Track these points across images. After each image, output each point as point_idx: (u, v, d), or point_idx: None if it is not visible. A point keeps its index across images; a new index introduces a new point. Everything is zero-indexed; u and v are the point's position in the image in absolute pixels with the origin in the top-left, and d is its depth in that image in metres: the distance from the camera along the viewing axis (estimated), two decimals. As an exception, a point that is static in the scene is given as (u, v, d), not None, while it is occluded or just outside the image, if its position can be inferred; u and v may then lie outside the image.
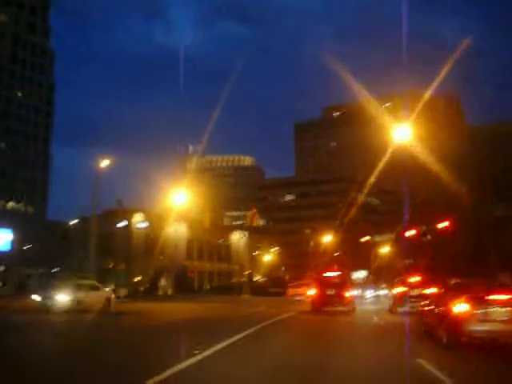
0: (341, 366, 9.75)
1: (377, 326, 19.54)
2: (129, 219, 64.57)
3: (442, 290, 15.63)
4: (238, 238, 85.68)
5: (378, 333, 16.79)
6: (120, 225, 60.94)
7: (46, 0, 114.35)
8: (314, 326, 18.87)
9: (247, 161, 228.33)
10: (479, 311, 12.02)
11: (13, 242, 45.95)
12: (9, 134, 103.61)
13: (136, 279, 62.73)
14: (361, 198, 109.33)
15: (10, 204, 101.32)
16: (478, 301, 12.14)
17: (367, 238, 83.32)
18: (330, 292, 25.89)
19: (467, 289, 13.29)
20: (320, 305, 26.02)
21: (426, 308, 15.90)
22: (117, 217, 63.47)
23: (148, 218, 64.86)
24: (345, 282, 27.31)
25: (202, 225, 79.24)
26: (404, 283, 26.83)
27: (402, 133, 26.24)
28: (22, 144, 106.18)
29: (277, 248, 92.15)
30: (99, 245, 62.58)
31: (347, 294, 26.23)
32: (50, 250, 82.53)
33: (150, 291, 58.71)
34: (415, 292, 25.23)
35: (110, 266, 56.25)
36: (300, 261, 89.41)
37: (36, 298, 25.82)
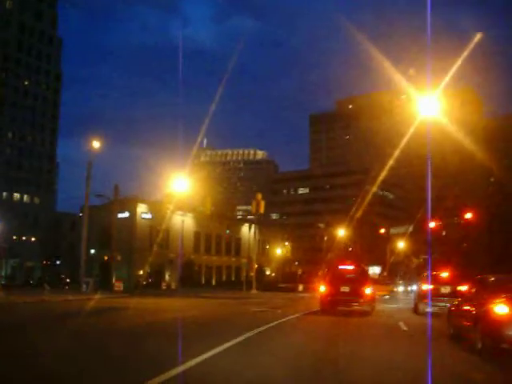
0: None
1: (404, 335, 15.00)
2: (133, 210, 61.77)
3: (476, 288, 13.02)
4: (247, 231, 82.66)
5: (406, 344, 12.55)
6: (121, 215, 58.04)
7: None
8: (322, 332, 15.08)
9: (260, 154, 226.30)
10: None
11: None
12: (16, 123, 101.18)
13: (139, 273, 59.96)
14: (375, 191, 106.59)
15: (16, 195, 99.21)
16: None
17: (383, 230, 79.83)
18: (345, 289, 21.91)
19: (507, 287, 11.34)
20: (332, 304, 22.20)
21: (457, 308, 13.72)
22: (120, 207, 60.62)
23: (153, 208, 61.87)
24: (362, 277, 23.17)
25: (209, 216, 76.23)
26: (431, 279, 23.05)
27: (429, 106, 22.83)
28: (29, 134, 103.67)
29: (289, 242, 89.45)
30: (100, 236, 60.28)
31: (366, 291, 22.08)
32: (54, 242, 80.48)
33: (153, 285, 55.82)
34: (445, 289, 21.80)
35: (106, 258, 53.25)
36: (314, 255, 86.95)
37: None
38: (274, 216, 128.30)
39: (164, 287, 54.30)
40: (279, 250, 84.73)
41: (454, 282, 21.95)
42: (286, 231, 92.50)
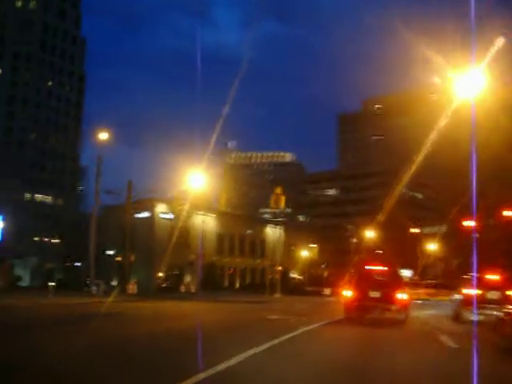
0: None
1: (450, 354, 11.45)
2: (152, 209, 59.63)
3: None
4: (273, 233, 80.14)
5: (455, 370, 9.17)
6: (140, 215, 55.94)
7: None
8: (344, 353, 11.21)
9: (287, 157, 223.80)
10: None
11: (3, 231, 41.00)
12: (39, 124, 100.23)
13: (158, 275, 57.76)
14: (404, 191, 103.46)
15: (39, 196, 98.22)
16: None
17: (415, 230, 76.20)
18: (374, 294, 18.66)
19: None
20: (359, 311, 19.12)
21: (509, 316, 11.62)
22: (139, 207, 58.57)
23: (173, 208, 59.53)
24: (395, 280, 19.87)
25: (233, 217, 73.87)
26: (476, 283, 19.79)
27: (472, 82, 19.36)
28: (52, 135, 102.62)
29: (316, 244, 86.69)
30: (117, 237, 58.27)
31: (400, 296, 18.68)
32: (77, 244, 78.79)
33: (172, 288, 53.51)
34: (493, 295, 18.74)
35: (118, 259, 51.09)
36: (342, 258, 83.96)
37: None
38: (302, 218, 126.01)
39: (183, 290, 51.89)
40: (306, 252, 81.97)
41: (504, 286, 18.86)
42: (313, 233, 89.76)
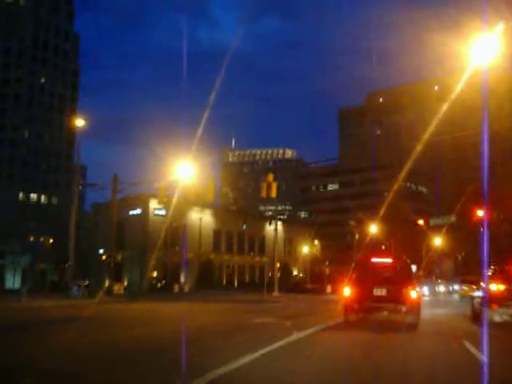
0: None
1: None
2: (145, 206, 57.12)
3: None
4: (273, 229, 77.56)
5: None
6: (133, 212, 53.47)
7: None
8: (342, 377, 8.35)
9: (289, 153, 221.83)
10: None
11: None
12: (32, 122, 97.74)
13: (152, 274, 55.31)
14: (408, 185, 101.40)
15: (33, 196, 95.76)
16: None
17: (421, 221, 73.30)
18: (380, 291, 15.50)
19: None
20: (361, 313, 16.20)
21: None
22: (132, 204, 56.13)
23: (167, 205, 56.87)
24: (404, 275, 16.43)
25: (231, 213, 71.27)
26: (501, 277, 16.58)
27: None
28: (46, 133, 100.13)
29: (318, 240, 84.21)
30: (107, 235, 55.82)
31: (411, 295, 15.42)
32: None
33: (167, 288, 50.99)
34: None
35: (103, 258, 48.55)
36: (344, 254, 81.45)
37: None
38: (303, 214, 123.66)
39: (177, 290, 49.37)
40: (307, 249, 79.45)
41: None
42: (315, 229, 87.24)
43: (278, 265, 56.01)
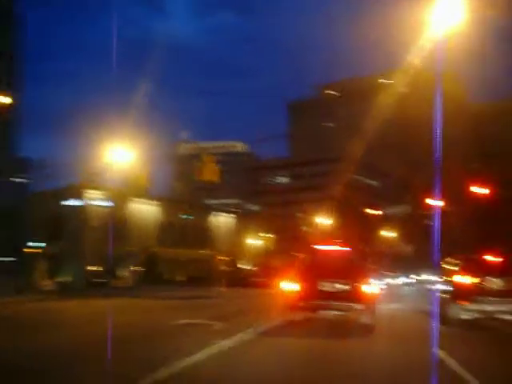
0: None
1: None
2: (85, 196, 53.79)
3: None
4: (223, 222, 75.31)
5: None
6: (69, 202, 50.21)
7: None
8: None
9: (239, 147, 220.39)
10: None
11: None
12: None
13: (92, 268, 52.05)
14: (360, 179, 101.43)
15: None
16: None
17: (376, 212, 71.94)
18: (328, 286, 12.93)
19: None
20: (306, 313, 13.60)
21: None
22: (69, 193, 52.78)
23: (109, 195, 53.70)
24: (358, 266, 13.85)
25: (178, 205, 68.47)
26: (473, 267, 14.15)
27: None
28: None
29: (270, 233, 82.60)
30: (45, 227, 52.50)
31: (366, 290, 13.05)
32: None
33: (107, 283, 47.88)
34: (497, 283, 13.50)
35: (34, 251, 45.38)
36: (296, 248, 79.88)
37: None
38: (254, 207, 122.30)
39: (117, 285, 46.36)
40: (257, 242, 77.67)
41: (509, 271, 13.79)
42: (266, 222, 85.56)
43: (227, 258, 53.91)
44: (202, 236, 70.65)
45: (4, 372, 7.30)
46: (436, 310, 14.76)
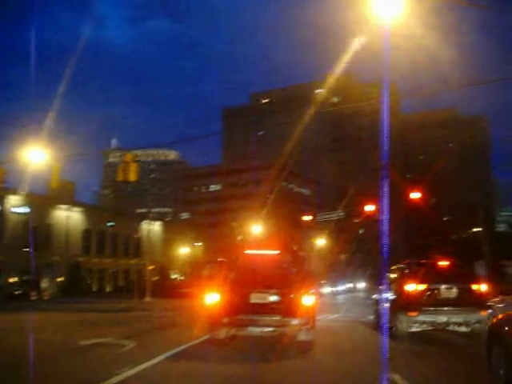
0: None
1: None
2: (1, 202, 50.36)
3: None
4: (151, 231, 72.82)
5: None
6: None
7: None
8: None
9: (171, 155, 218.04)
10: None
11: None
12: None
13: (9, 280, 48.77)
14: (290, 187, 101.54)
15: None
16: None
17: (308, 217, 70.97)
18: (260, 297, 10.90)
19: None
20: (233, 329, 11.20)
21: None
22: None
23: (30, 201, 50.40)
24: (296, 273, 11.88)
25: (103, 212, 65.75)
26: (420, 274, 12.82)
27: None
28: None
29: (200, 242, 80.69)
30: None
31: (305, 301, 10.91)
32: None
33: (25, 295, 44.76)
34: (448, 291, 12.35)
35: None
36: (227, 257, 78.20)
37: None
38: (185, 215, 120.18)
39: (34, 297, 43.31)
40: (188, 251, 75.62)
41: (460, 278, 12.74)
42: (197, 230, 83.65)
43: (154, 268, 51.77)
44: (133, 245, 68.12)
45: None
46: (382, 321, 13.41)
